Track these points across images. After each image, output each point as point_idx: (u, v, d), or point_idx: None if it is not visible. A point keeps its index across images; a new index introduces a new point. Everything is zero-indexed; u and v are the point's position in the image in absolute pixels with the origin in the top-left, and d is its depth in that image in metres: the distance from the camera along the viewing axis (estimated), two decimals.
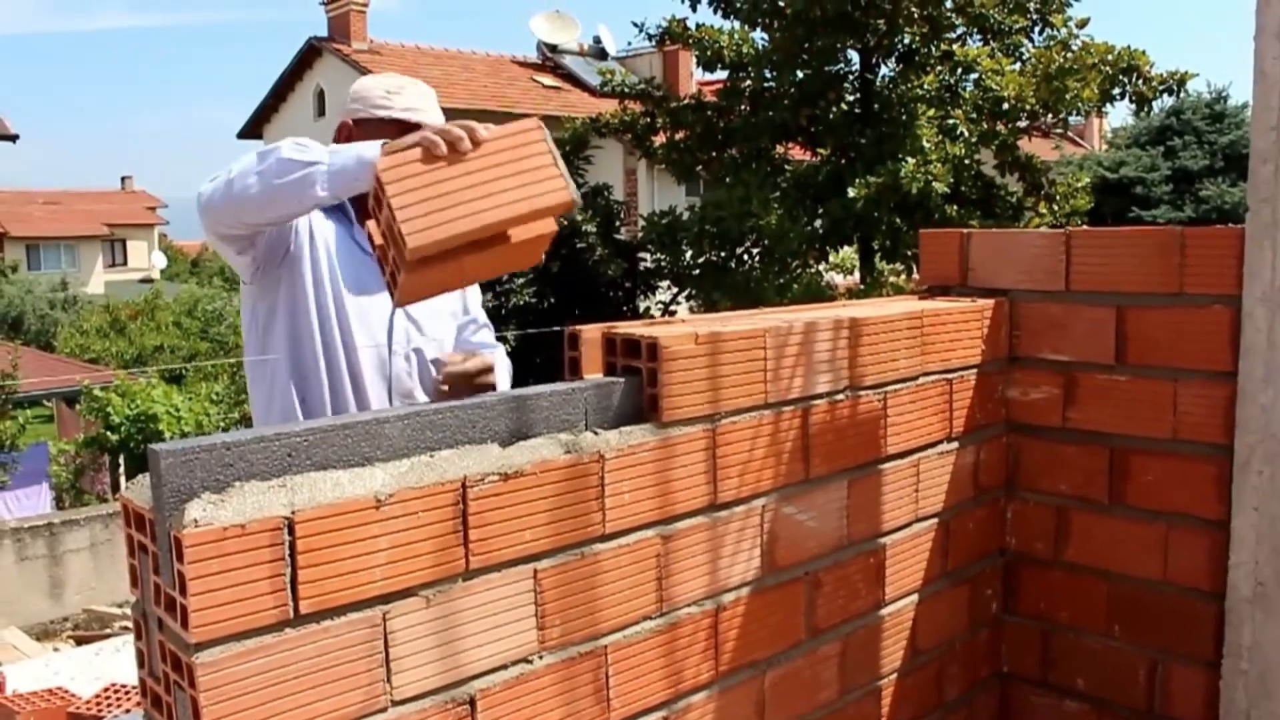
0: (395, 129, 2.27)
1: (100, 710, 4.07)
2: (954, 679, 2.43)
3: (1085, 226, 11.25)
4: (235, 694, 1.23)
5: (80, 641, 7.12)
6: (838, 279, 13.09)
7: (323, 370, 2.31)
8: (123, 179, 54.38)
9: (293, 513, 1.26)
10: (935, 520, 2.30)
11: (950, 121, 10.39)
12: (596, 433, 1.60)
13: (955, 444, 2.32)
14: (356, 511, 1.31)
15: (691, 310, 12.52)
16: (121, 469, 12.60)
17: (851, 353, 2.02)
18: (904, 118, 10.50)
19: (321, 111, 23.61)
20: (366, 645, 1.34)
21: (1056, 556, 2.45)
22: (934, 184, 9.54)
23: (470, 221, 1.56)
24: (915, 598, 2.27)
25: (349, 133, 2.37)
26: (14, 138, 12.69)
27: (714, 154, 11.96)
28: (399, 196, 1.50)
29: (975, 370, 2.36)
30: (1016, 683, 2.56)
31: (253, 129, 26.10)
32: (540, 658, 1.55)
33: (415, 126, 2.25)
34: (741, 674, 1.88)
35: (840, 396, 2.01)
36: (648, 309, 12.84)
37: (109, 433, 12.42)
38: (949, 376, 2.28)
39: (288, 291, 2.32)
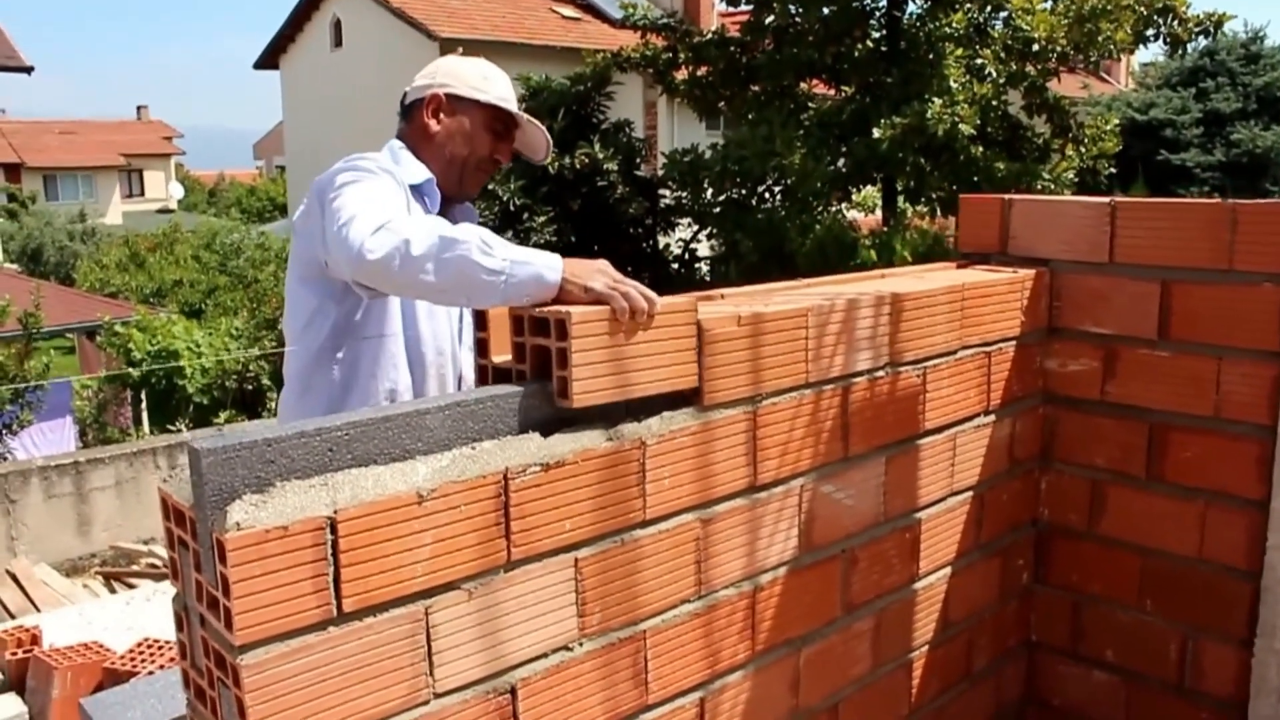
0: (490, 114, 2.39)
1: (135, 666, 4.12)
2: (983, 649, 2.43)
3: (1112, 170, 11.08)
4: (280, 693, 1.22)
5: (108, 578, 7.22)
6: (858, 216, 12.96)
7: (404, 367, 2.26)
8: (138, 109, 54.08)
9: (335, 512, 1.24)
10: (970, 494, 2.27)
11: (978, 61, 10.18)
12: (639, 419, 1.57)
13: (992, 417, 2.29)
14: (399, 508, 1.29)
15: (712, 249, 12.43)
16: (144, 405, 12.69)
17: (892, 329, 1.98)
18: (931, 57, 10.30)
19: (339, 42, 23.33)
20: (409, 640, 1.33)
21: (1090, 529, 2.43)
22: (960, 125, 9.38)
23: (623, 393, 1.54)
24: (948, 570, 2.26)
25: (439, 105, 2.37)
26: (29, 69, 12.57)
27: (736, 90, 11.77)
28: (581, 354, 1.48)
29: (1014, 342, 2.31)
30: (1045, 652, 2.55)
31: (269, 59, 25.84)
32: (580, 645, 1.54)
33: (508, 115, 2.41)
34: (777, 652, 1.87)
35: (880, 373, 1.98)
36: (667, 246, 12.75)
37: (130, 369, 12.48)
38: (988, 349, 2.24)
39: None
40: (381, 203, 1.94)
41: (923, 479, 2.14)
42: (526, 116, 2.47)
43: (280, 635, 1.21)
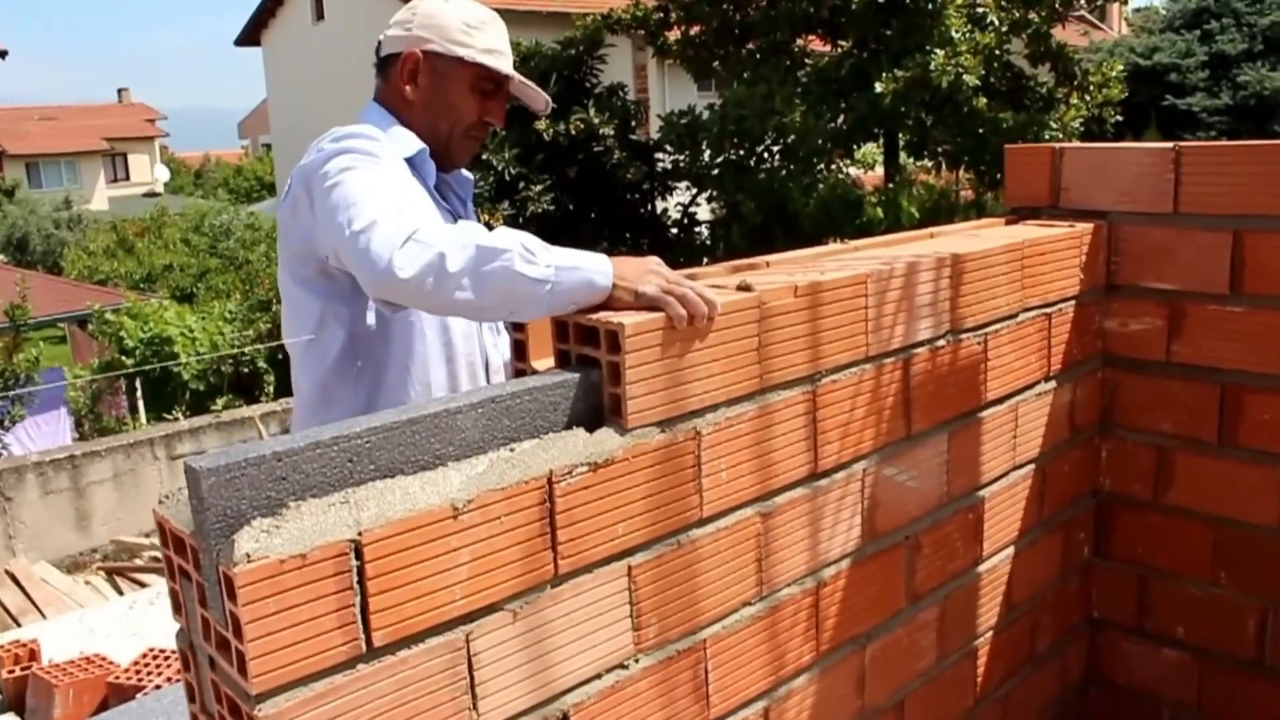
0: (477, 73, 2.01)
1: (140, 679, 3.97)
2: (1045, 629, 2.28)
3: (1118, 117, 10.88)
4: None
5: (110, 573, 7.08)
6: (859, 173, 12.74)
7: (437, 361, 1.99)
8: (119, 91, 53.45)
9: (359, 534, 1.07)
10: (1032, 466, 2.12)
11: (979, 10, 9.95)
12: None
13: (1052, 383, 2.13)
14: (432, 524, 1.13)
15: (713, 212, 12.22)
16: (139, 393, 12.51)
17: (953, 293, 1.82)
18: (930, 7, 10.06)
19: (320, 15, 22.97)
20: (449, 673, 1.17)
21: (1156, 499, 2.27)
22: (964, 76, 9.16)
23: (680, 407, 1.37)
24: (1011, 550, 2.10)
25: (415, 65, 2.01)
26: (2, 54, 12.31)
27: (731, 49, 11.53)
28: (635, 369, 1.31)
29: (1073, 302, 2.15)
30: (1108, 629, 2.40)
31: (250, 36, 25.46)
32: (636, 661, 1.38)
33: (496, 74, 2.03)
34: (842, 651, 1.72)
35: (941, 342, 1.81)
36: (665, 210, 12.54)
37: (123, 357, 12.29)
38: (1048, 311, 2.08)
39: None
40: (397, 200, 1.65)
41: (985, 454, 1.98)
42: (518, 76, 2.09)
43: (303, 679, 1.05)
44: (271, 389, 12.57)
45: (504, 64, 2.04)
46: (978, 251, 1.86)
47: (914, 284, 1.72)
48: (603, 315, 1.33)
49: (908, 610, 1.85)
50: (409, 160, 1.94)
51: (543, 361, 1.45)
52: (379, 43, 2.09)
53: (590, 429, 1.31)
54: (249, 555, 1.00)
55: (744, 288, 1.46)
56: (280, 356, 13.33)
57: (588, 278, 1.39)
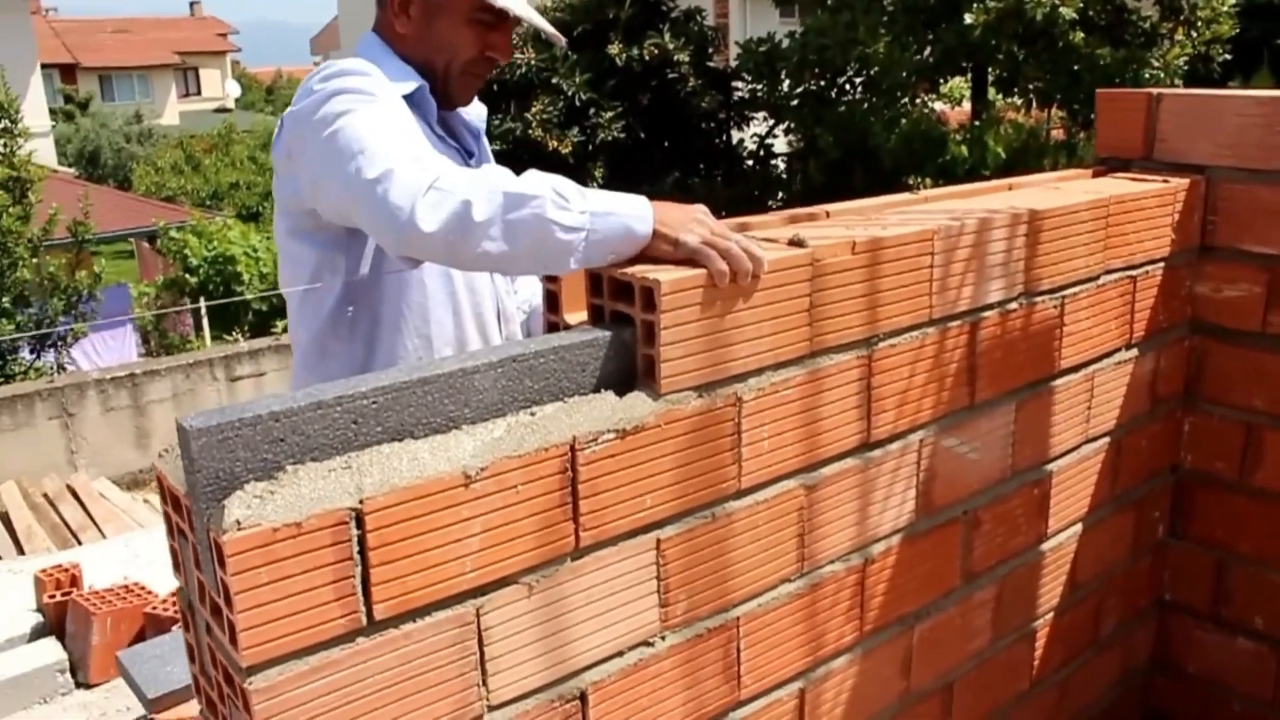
0: (470, 5, 1.85)
1: (176, 610, 4.04)
2: (1111, 611, 2.18)
3: (1227, 56, 10.39)
4: (300, 718, 1.02)
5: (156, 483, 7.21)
6: (944, 109, 12.39)
7: (439, 310, 1.89)
8: (191, 4, 53.85)
9: (361, 501, 1.02)
10: (1106, 439, 2.01)
11: None
12: None
13: (1134, 351, 2.01)
14: (441, 493, 1.07)
15: (790, 145, 11.98)
16: (203, 311, 12.71)
17: (1028, 253, 1.70)
18: None
19: None
20: (457, 648, 1.12)
21: (1242, 479, 2.15)
22: (1060, 9, 8.80)
23: (719, 371, 1.29)
24: (1079, 528, 2.01)
25: (406, 2, 1.86)
26: None
27: None
28: (671, 330, 1.22)
29: (1161, 264, 2.02)
30: (1179, 614, 2.30)
31: None
32: (663, 639, 1.32)
33: (498, 11, 1.86)
34: (888, 631, 1.65)
35: (1013, 306, 1.70)
36: (741, 141, 12.32)
37: (187, 275, 12.48)
38: (1133, 274, 1.95)
39: None
40: (410, 144, 1.51)
41: (1056, 426, 1.88)
42: (521, 9, 1.89)
43: (298, 652, 1.01)
44: None
45: (511, 1, 1.86)
46: (1058, 208, 1.74)
47: (985, 242, 1.61)
48: (639, 269, 1.25)
49: (962, 589, 1.77)
50: (406, 98, 1.80)
51: (576, 315, 1.38)
52: None
53: (621, 392, 1.24)
54: (239, 522, 0.95)
55: (796, 243, 1.37)
56: None
57: (625, 224, 1.30)
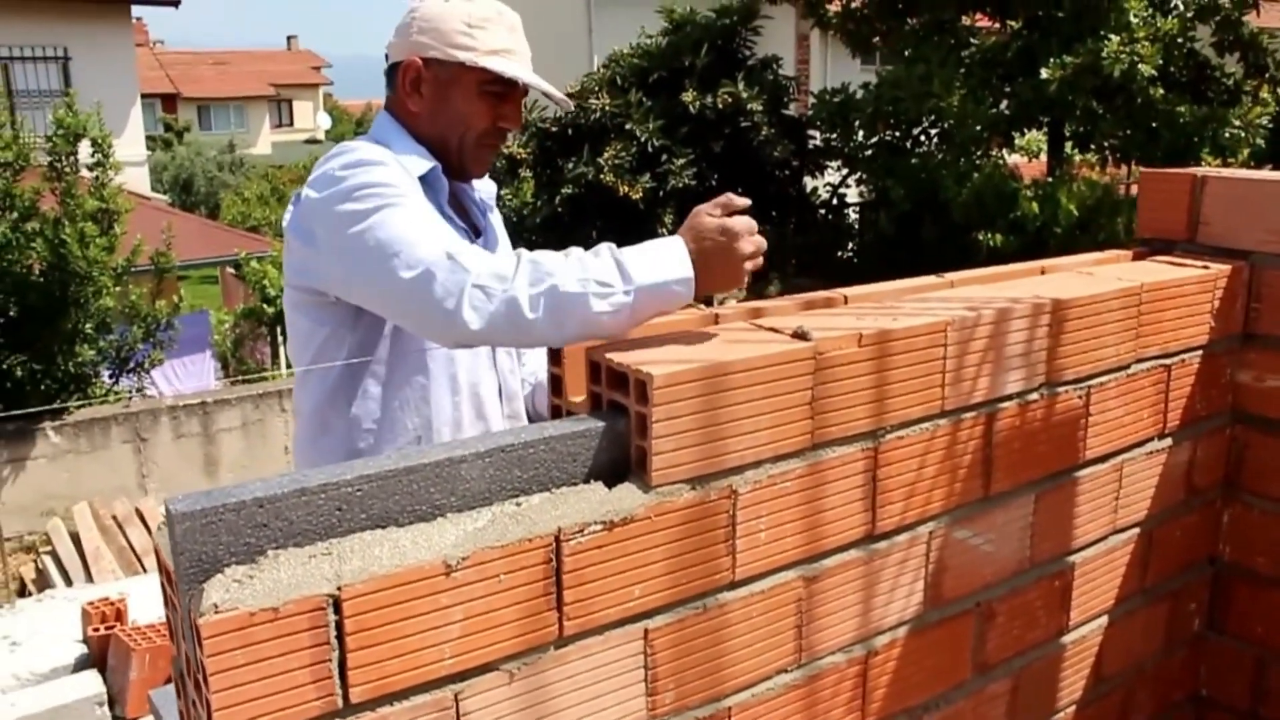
0: (480, 78, 1.89)
1: None
2: (1141, 705, 2.12)
3: None
4: None
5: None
6: (1019, 160, 12.26)
7: (438, 395, 1.92)
8: (288, 39, 55.45)
9: (339, 588, 1.04)
10: (1136, 530, 1.96)
11: None
12: None
13: (1168, 441, 1.97)
14: (421, 580, 1.09)
15: (861, 195, 11.93)
16: (280, 341, 12.99)
17: (1051, 342, 1.68)
18: None
19: None
20: None
21: None
22: (1139, 65, 8.66)
23: (714, 464, 1.29)
24: (1104, 620, 1.96)
25: (417, 75, 1.90)
26: (176, 2, 12.85)
27: (893, 24, 11.19)
28: (664, 423, 1.24)
29: (1200, 352, 1.98)
30: (1217, 710, 2.23)
31: None
32: None
33: (507, 82, 1.91)
34: None
35: (1033, 396, 1.68)
36: (814, 190, 12.30)
37: (265, 305, 12.77)
38: (1167, 362, 1.92)
39: None
40: (443, 240, 1.57)
41: (1080, 517, 1.84)
42: (530, 77, 1.93)
43: None
44: None
45: (512, 65, 1.90)
46: (1084, 297, 1.72)
47: (1004, 332, 1.60)
48: (635, 359, 1.26)
49: (974, 681, 1.73)
50: (420, 178, 1.85)
51: (580, 398, 1.39)
52: (387, 49, 1.99)
53: (614, 482, 1.25)
54: (217, 605, 0.98)
55: (800, 335, 1.37)
56: None
57: (669, 291, 1.42)
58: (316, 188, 1.76)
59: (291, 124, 48.71)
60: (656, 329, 1.47)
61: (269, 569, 1.02)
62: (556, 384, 1.42)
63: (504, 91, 1.93)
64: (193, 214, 22.27)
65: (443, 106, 1.92)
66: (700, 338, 1.42)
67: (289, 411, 8.21)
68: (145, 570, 6.94)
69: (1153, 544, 2.00)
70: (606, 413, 1.28)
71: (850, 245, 11.81)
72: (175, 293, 9.62)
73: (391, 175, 1.74)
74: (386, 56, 1.99)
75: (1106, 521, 1.89)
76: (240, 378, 11.42)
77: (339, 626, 1.05)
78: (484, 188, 2.10)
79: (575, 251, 1.49)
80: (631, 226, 9.72)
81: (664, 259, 1.43)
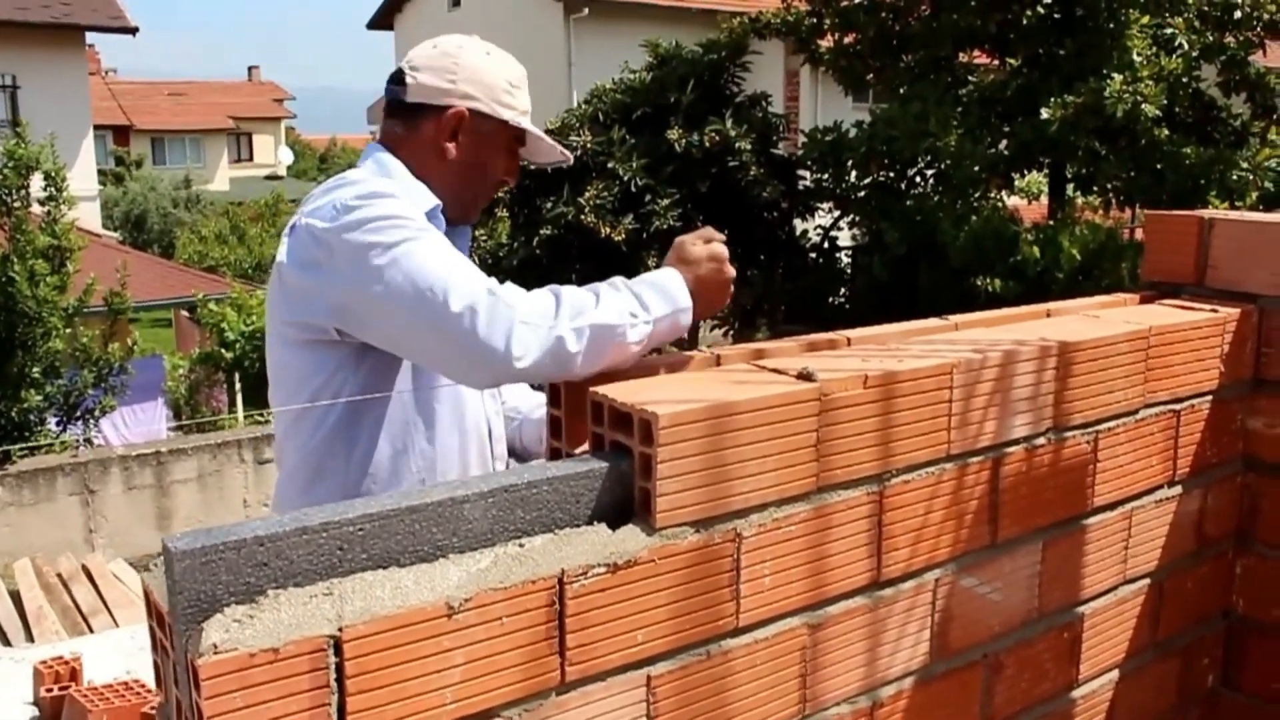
0: (508, 135, 2.09)
1: None
2: None
3: None
4: None
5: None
6: (1019, 202, 12.45)
7: (452, 428, 2.01)
8: (249, 69, 55.81)
9: (340, 629, 1.08)
10: (1146, 581, 2.02)
11: (1167, 31, 9.62)
12: None
13: (1178, 489, 2.03)
14: (423, 623, 1.13)
15: (854, 238, 12.08)
16: (237, 388, 13.00)
17: (1058, 386, 1.75)
18: (1111, 26, 9.77)
19: (456, 1, 23.57)
20: None
21: None
22: (1143, 106, 8.87)
23: (720, 506, 1.34)
24: (1115, 674, 2.01)
25: (459, 124, 2.03)
26: (133, 30, 12.97)
27: (888, 61, 11.41)
28: (669, 464, 1.28)
29: (1209, 398, 2.05)
30: None
31: (383, 19, 26.29)
32: None
33: (527, 138, 2.13)
34: None
35: (1040, 441, 1.74)
36: (805, 233, 12.45)
37: (223, 350, 12.79)
38: (1176, 407, 1.98)
39: None
40: (479, 275, 1.69)
41: (1088, 566, 1.90)
42: (538, 132, 2.14)
43: None
44: None
45: (535, 126, 2.14)
46: (1091, 340, 1.78)
47: (1010, 375, 1.66)
48: (640, 399, 1.32)
49: None
50: (426, 214, 1.92)
51: (582, 448, 1.44)
52: (400, 85, 2.07)
53: (616, 524, 1.30)
54: (216, 646, 1.02)
55: (805, 376, 1.43)
56: None
57: (676, 322, 1.63)
58: (322, 217, 1.81)
59: (251, 158, 48.89)
60: (657, 369, 1.52)
61: (269, 609, 1.06)
62: (556, 426, 1.47)
63: (517, 148, 2.15)
64: (145, 252, 22.31)
65: (473, 156, 2.06)
66: (702, 378, 1.47)
67: (248, 463, 8.22)
68: (92, 630, 6.89)
69: (1164, 595, 2.06)
70: (609, 453, 1.33)
71: (842, 291, 11.94)
72: (128, 335, 9.63)
73: (407, 208, 1.81)
74: (398, 94, 2.07)
75: (1116, 571, 1.95)
76: (195, 426, 11.40)
77: (339, 669, 1.09)
78: (463, 232, 2.18)
79: (596, 285, 1.63)
80: (613, 269, 9.79)
81: (670, 289, 1.62)
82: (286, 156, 47.46)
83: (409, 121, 2.06)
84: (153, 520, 7.79)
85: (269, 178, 42.27)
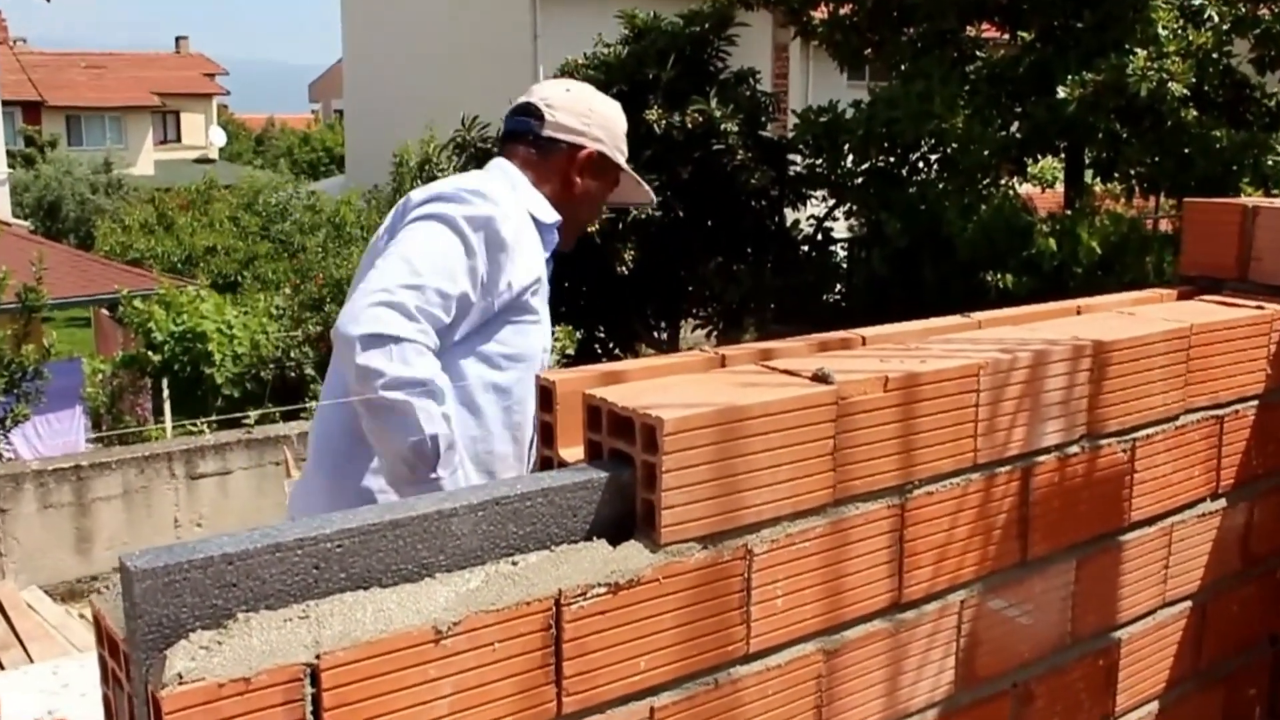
0: (615, 176, 2.70)
1: None
2: None
3: None
4: None
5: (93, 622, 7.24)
6: (1030, 190, 12.52)
7: (507, 443, 2.48)
8: (177, 40, 55.52)
9: (317, 656, 1.08)
10: (1188, 604, 2.05)
11: (1196, 2, 9.71)
12: None
13: (1221, 502, 2.06)
14: (408, 649, 1.14)
15: (851, 229, 12.12)
16: (165, 394, 12.90)
17: (1093, 390, 1.77)
18: None
19: None
20: None
21: None
22: (1170, 84, 8.94)
23: (729, 520, 1.36)
24: (1154, 706, 2.03)
25: (589, 162, 2.61)
26: None
27: (887, 34, 11.45)
28: (675, 474, 1.30)
29: (1255, 403, 2.07)
30: None
31: None
32: None
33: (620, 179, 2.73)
34: None
35: (1074, 449, 1.76)
36: (796, 223, 12.48)
37: (150, 352, 12.69)
38: (1219, 413, 2.01)
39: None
40: (432, 292, 2.22)
41: (1125, 587, 1.92)
42: (636, 177, 2.77)
43: None
44: (317, 400, 12.94)
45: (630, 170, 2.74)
46: (1128, 339, 1.81)
47: (1041, 378, 1.68)
48: (642, 403, 1.33)
49: None
50: (542, 224, 2.52)
51: (573, 450, 1.45)
52: (531, 113, 2.60)
53: (616, 540, 1.31)
54: (181, 675, 1.02)
55: (821, 377, 1.44)
56: None
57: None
58: (427, 194, 2.44)
59: (179, 139, 48.66)
60: (659, 370, 1.53)
61: (239, 634, 1.07)
62: (548, 432, 1.48)
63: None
64: (60, 243, 22.17)
65: (591, 190, 2.64)
66: (708, 380, 1.48)
67: (179, 478, 8.18)
68: (2, 667, 6.82)
69: (1206, 619, 2.08)
70: (609, 462, 1.34)
71: (838, 288, 11.95)
72: (43, 336, 9.55)
73: (466, 214, 2.37)
74: (532, 125, 2.60)
75: (1155, 593, 1.97)
76: (118, 437, 11.33)
77: (316, 700, 1.09)
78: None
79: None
80: (585, 263, 9.80)
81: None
82: (219, 137, 47.18)
83: (542, 151, 2.59)
84: (71, 543, 7.72)
85: (199, 161, 42.03)
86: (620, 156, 2.66)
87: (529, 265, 2.43)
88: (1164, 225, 11.17)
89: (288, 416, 11.20)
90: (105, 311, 16.98)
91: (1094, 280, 8.72)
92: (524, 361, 2.45)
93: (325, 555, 1.13)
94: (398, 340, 2.11)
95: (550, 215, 2.55)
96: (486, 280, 2.33)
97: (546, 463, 1.48)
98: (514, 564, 1.23)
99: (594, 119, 2.61)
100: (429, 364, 2.15)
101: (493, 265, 2.34)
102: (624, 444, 1.33)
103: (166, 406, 12.82)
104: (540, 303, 2.48)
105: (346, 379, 2.23)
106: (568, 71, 11.37)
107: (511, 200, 2.45)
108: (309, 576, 1.12)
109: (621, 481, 1.32)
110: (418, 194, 2.42)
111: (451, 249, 2.28)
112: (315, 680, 1.09)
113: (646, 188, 2.82)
